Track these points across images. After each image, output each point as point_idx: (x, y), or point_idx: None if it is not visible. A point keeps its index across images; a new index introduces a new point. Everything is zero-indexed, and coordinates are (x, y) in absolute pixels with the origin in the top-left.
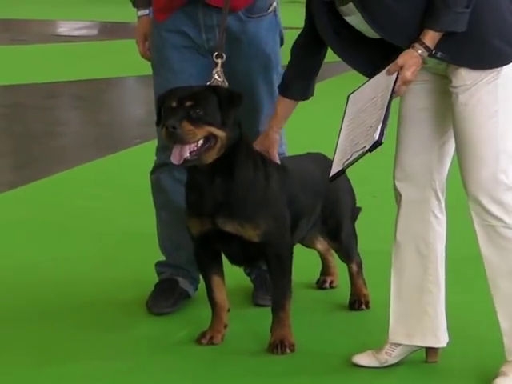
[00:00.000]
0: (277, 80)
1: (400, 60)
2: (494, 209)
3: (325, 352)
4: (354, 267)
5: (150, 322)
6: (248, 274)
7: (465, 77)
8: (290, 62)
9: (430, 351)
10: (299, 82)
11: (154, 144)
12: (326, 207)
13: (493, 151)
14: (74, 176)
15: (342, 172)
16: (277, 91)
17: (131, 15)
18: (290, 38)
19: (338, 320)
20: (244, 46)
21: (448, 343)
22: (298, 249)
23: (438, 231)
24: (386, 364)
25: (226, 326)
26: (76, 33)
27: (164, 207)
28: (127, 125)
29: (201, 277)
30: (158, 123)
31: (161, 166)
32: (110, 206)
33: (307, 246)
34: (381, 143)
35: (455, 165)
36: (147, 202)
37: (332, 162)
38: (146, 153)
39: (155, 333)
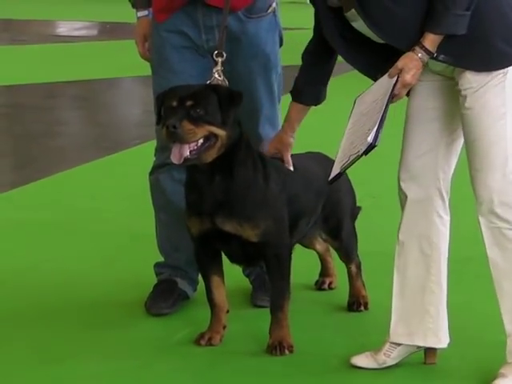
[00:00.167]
0: (276, 80)
1: (400, 63)
2: (502, 211)
3: (323, 353)
4: (354, 268)
5: (149, 323)
6: (247, 275)
7: (470, 79)
8: (300, 69)
9: (429, 352)
10: (310, 88)
11: (153, 145)
12: (327, 206)
13: (502, 153)
14: (73, 176)
15: (340, 175)
16: (276, 91)
17: (131, 15)
18: (290, 38)
19: (336, 321)
20: (243, 46)
21: (448, 344)
22: (297, 250)
23: (442, 231)
24: (384, 365)
25: (224, 327)
26: (76, 33)
27: (163, 208)
28: (126, 125)
29: (200, 278)
30: (157, 122)
31: (160, 167)
32: (110, 207)
33: (306, 247)
34: (375, 146)
35: (458, 166)
36: (147, 203)
37: (333, 163)
38: (145, 153)
39: (154, 334)
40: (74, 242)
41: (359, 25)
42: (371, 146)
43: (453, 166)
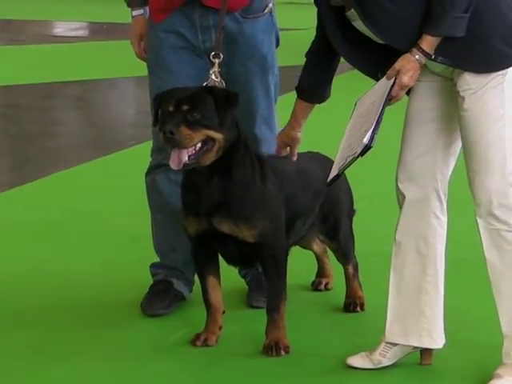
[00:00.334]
0: (272, 81)
1: (397, 64)
2: (501, 213)
3: (319, 354)
4: (351, 269)
5: (146, 324)
6: (243, 276)
7: (469, 81)
8: (304, 68)
9: (425, 353)
10: (314, 87)
11: (149, 145)
12: (325, 206)
13: (500, 155)
14: (70, 177)
15: (338, 176)
16: (272, 92)
17: (128, 15)
18: (286, 39)
19: (332, 322)
20: (240, 46)
21: (443, 345)
22: (294, 250)
23: (439, 232)
24: (379, 365)
25: (220, 328)
26: (73, 33)
27: (160, 209)
28: (123, 126)
29: (196, 279)
30: (154, 124)
31: (156, 168)
32: (107, 207)
33: (304, 248)
34: (370, 147)
35: (456, 167)
36: (144, 204)
37: (332, 163)
38: (141, 154)
39: (150, 334)
40: (71, 242)
41: (359, 24)
42: (367, 147)
43: (451, 168)
